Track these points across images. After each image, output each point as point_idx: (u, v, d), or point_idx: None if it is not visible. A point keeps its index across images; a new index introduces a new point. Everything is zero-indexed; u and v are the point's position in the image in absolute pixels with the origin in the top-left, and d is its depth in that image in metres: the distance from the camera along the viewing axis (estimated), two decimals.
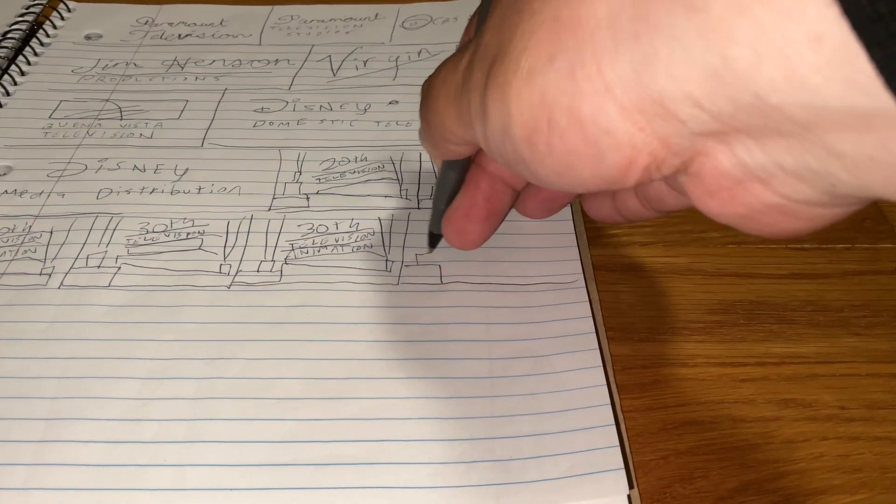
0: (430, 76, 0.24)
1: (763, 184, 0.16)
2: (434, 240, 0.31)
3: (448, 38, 0.45)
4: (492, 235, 0.29)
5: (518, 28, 0.18)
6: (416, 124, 0.38)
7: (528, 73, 0.17)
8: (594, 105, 0.16)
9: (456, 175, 0.27)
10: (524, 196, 0.29)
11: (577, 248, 0.32)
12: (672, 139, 0.16)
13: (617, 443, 0.25)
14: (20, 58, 0.43)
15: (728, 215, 0.17)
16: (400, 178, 0.35)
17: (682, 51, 0.14)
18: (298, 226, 0.33)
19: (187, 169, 0.36)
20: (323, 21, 0.47)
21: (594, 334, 0.28)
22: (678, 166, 0.17)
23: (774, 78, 0.14)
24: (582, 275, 0.30)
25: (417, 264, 0.31)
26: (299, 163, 0.36)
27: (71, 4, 0.47)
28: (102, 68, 0.43)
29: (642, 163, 0.16)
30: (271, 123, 0.39)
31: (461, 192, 0.27)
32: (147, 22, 0.47)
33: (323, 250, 0.32)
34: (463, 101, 0.20)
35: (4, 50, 0.42)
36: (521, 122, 0.17)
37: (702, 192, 0.17)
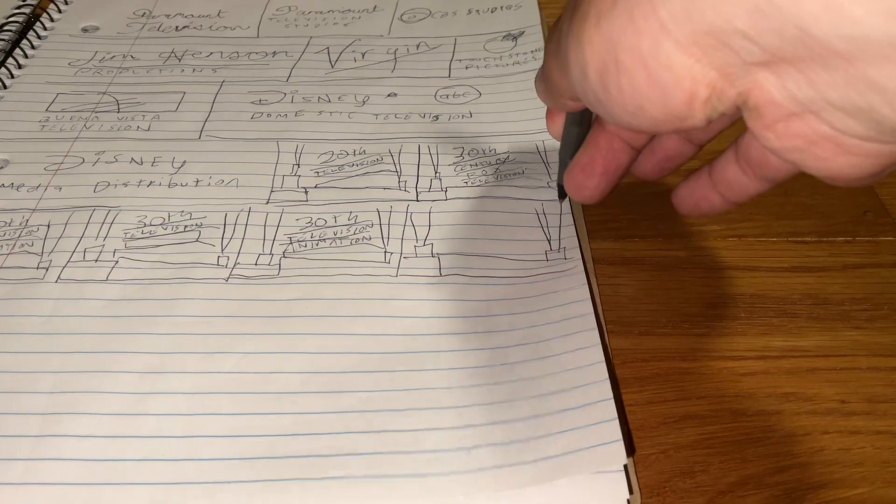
0: None
1: (815, 115, 0.17)
2: (563, 191, 0.30)
3: (446, 31, 0.45)
4: (611, 190, 0.28)
5: None
6: (414, 117, 0.38)
7: (596, 19, 0.18)
8: (652, 42, 0.17)
9: (577, 129, 0.28)
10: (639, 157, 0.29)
11: (576, 238, 0.31)
12: (728, 68, 0.17)
13: (615, 416, 0.25)
14: (17, 50, 0.42)
15: (786, 148, 0.18)
16: (398, 170, 0.35)
17: None
18: (297, 219, 0.33)
19: (185, 161, 0.36)
20: (321, 13, 0.47)
21: (592, 315, 0.28)
22: (736, 98, 0.18)
23: (815, 10, 0.14)
24: (581, 260, 0.30)
25: (416, 256, 0.31)
26: (297, 155, 0.36)
27: None
28: (100, 61, 0.42)
29: (703, 94, 0.17)
30: (269, 115, 0.38)
31: (581, 149, 0.28)
32: (144, 14, 0.46)
33: (321, 243, 0.32)
34: (559, 54, 0.22)
35: (1, 43, 0.42)
36: (594, 65, 0.19)
37: (761, 126, 0.18)
